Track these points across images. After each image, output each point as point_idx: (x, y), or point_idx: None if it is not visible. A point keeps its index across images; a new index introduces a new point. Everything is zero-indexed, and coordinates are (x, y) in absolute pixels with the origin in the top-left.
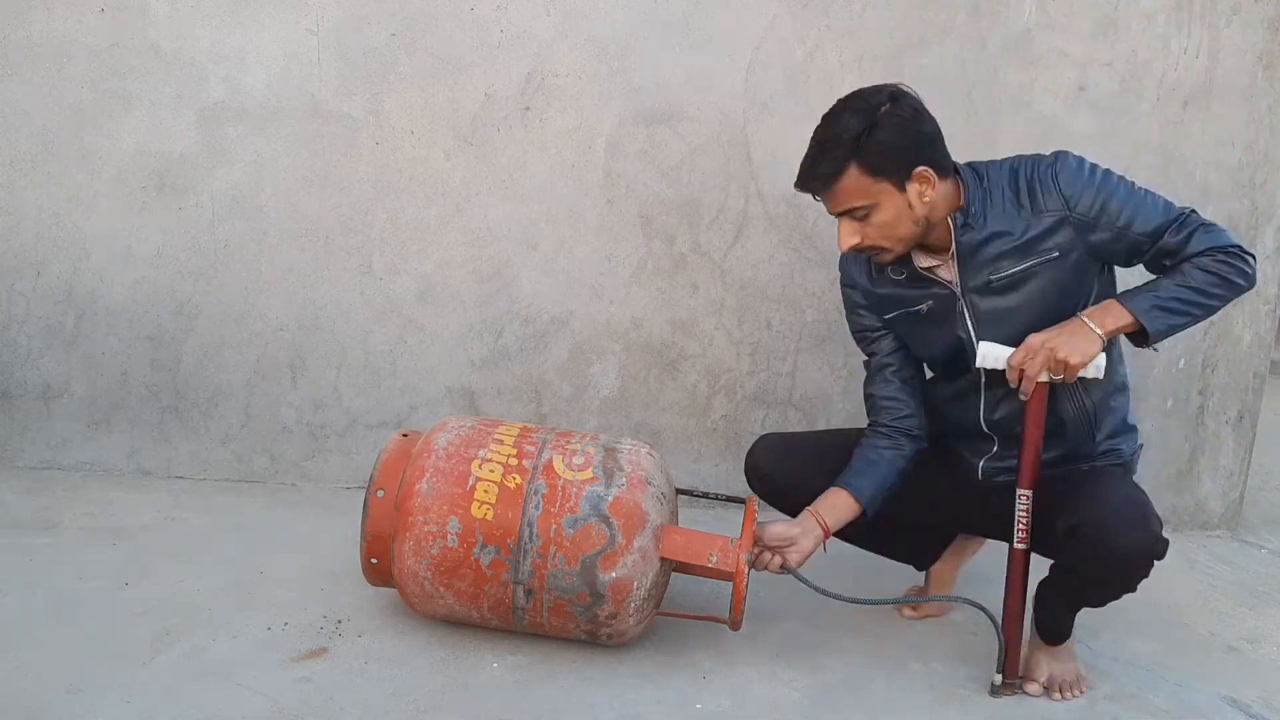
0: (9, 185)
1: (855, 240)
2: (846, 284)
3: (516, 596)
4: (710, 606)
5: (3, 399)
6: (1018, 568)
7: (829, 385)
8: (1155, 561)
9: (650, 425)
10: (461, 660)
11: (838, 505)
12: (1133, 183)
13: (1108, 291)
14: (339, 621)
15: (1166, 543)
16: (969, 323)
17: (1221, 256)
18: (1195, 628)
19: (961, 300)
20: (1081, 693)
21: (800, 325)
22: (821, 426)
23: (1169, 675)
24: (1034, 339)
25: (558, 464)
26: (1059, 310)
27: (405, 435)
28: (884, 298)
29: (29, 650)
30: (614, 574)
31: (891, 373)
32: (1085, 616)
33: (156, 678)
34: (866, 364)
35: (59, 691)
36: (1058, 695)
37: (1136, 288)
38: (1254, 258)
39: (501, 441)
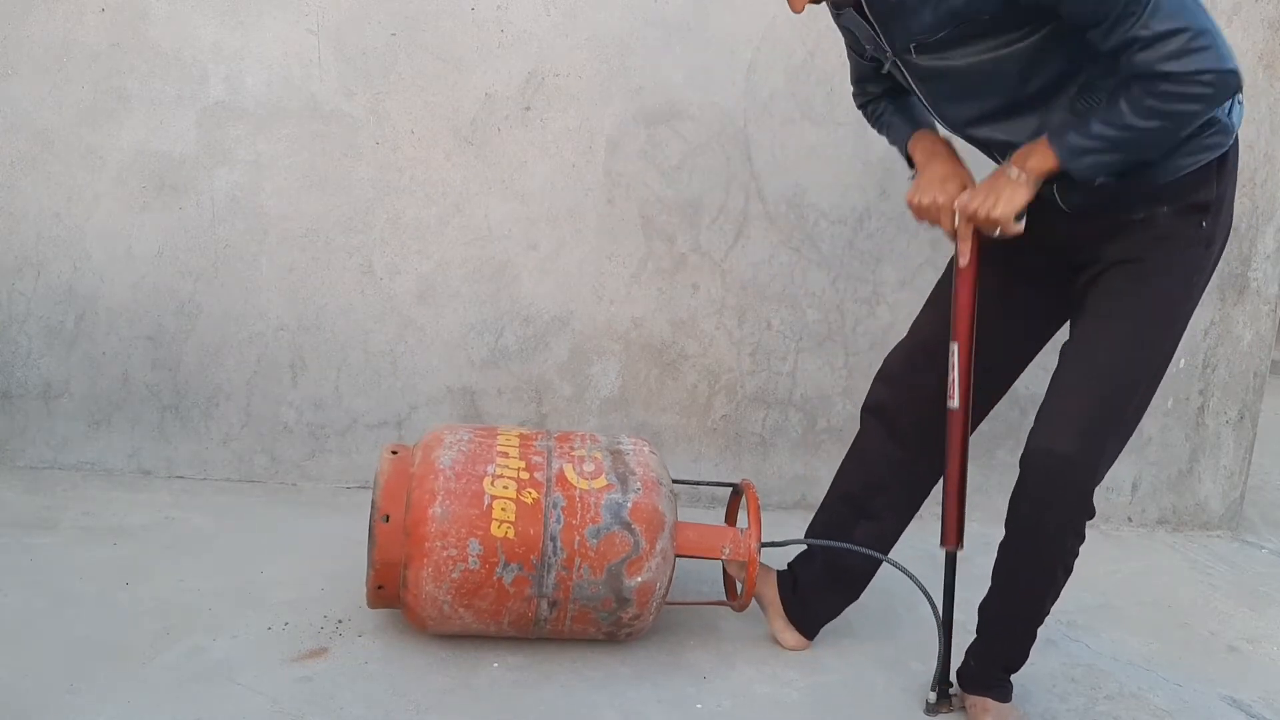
0: (9, 185)
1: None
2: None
3: (540, 610)
4: (708, 589)
5: (3, 399)
6: (957, 430)
7: (829, 385)
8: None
9: (651, 425)
10: (461, 660)
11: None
12: None
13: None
14: (339, 621)
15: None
16: (910, 81)
17: (1169, 88)
18: (1195, 628)
19: (896, 63)
20: None
21: (800, 325)
22: (821, 426)
23: (1169, 675)
24: (961, 199)
25: (570, 473)
26: (1022, 83)
27: (395, 452)
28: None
29: (29, 650)
30: (640, 578)
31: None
32: (1086, 617)
33: (156, 677)
34: (879, 96)
35: (59, 691)
36: None
37: (1070, 118)
38: (1231, 73)
39: (506, 454)
